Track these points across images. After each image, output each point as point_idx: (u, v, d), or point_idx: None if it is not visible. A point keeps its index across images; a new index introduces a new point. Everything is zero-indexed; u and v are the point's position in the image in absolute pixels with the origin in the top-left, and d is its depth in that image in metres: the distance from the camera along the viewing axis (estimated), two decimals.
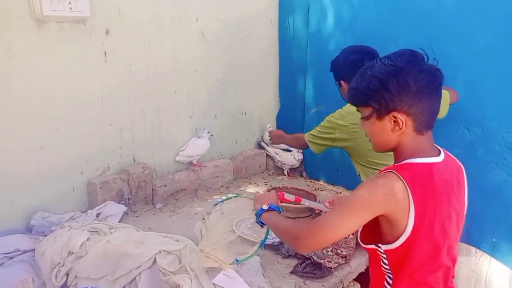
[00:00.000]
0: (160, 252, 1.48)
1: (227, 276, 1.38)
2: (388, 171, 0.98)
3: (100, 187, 1.82)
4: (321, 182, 2.71)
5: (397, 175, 0.96)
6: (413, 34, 2.14)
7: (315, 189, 2.56)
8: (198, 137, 2.24)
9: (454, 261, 1.08)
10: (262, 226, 1.35)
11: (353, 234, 1.80)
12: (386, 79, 0.97)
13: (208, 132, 2.25)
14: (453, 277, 1.10)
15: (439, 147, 1.07)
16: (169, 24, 2.11)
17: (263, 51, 2.65)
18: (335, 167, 2.65)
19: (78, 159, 1.84)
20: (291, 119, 2.82)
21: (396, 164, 1.03)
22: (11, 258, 1.53)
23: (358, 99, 1.05)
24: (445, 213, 1.01)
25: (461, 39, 1.98)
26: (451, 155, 1.10)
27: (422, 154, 1.01)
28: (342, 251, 1.73)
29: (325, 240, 1.00)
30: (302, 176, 2.82)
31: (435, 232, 0.99)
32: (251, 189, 2.46)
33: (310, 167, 2.79)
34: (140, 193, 1.99)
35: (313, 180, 2.74)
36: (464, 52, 1.99)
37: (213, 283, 1.37)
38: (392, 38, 2.22)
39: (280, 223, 1.20)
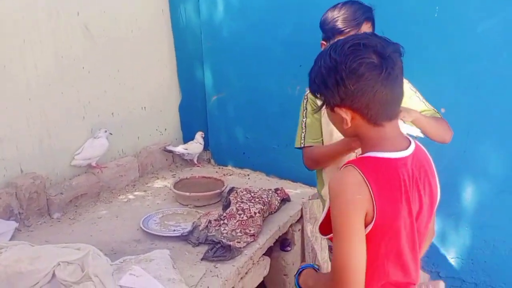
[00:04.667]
0: (59, 264, 1.39)
1: (134, 275, 1.36)
2: (348, 165, 0.93)
3: None
4: (229, 167, 2.77)
5: (355, 168, 0.90)
6: (301, 19, 2.26)
7: (224, 175, 2.61)
8: (95, 137, 2.13)
9: (416, 259, 1.01)
10: None
11: (259, 213, 1.88)
12: (326, 75, 0.91)
13: (106, 131, 2.15)
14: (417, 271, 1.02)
15: (409, 138, 1.00)
16: (46, 20, 1.95)
17: (156, 42, 2.59)
18: (241, 151, 2.72)
19: None
20: (193, 109, 2.82)
21: (358, 157, 1.00)
22: None
23: (310, 88, 0.99)
24: (412, 212, 0.94)
25: None
26: (420, 145, 1.03)
27: (385, 147, 0.93)
28: (250, 230, 1.80)
29: (354, 277, 0.88)
30: (210, 163, 2.85)
31: (400, 228, 0.92)
32: (159, 183, 2.43)
33: (217, 154, 2.83)
34: (33, 206, 1.84)
35: (221, 166, 2.79)
36: None
37: (120, 285, 1.33)
38: (282, 24, 2.32)
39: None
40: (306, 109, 1.58)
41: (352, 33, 1.36)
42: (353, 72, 0.87)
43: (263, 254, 1.86)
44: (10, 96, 1.83)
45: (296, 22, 2.28)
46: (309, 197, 2.33)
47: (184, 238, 1.75)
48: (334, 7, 1.48)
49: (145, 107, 2.55)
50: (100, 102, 2.24)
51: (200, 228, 1.78)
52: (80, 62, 2.13)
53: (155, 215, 1.96)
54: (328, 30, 1.47)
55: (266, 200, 2.00)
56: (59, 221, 1.91)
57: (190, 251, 1.68)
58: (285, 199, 2.20)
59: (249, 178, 2.59)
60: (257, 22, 2.37)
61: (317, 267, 1.15)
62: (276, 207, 2.08)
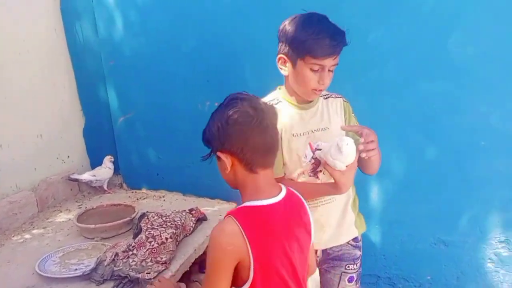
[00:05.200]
0: None
1: None
2: (228, 216, 1.05)
3: None
4: (144, 190, 2.63)
5: (233, 219, 1.03)
6: (204, 34, 2.22)
7: (137, 199, 2.47)
8: None
9: None
10: None
11: (171, 238, 1.79)
12: (211, 124, 1.12)
13: None
14: None
15: (281, 185, 1.16)
16: None
17: (50, 64, 2.39)
18: (154, 172, 2.60)
19: None
20: (100, 132, 2.64)
21: (236, 208, 1.11)
22: None
23: (202, 138, 1.18)
24: (287, 251, 1.08)
25: (245, 37, 2.15)
26: (293, 191, 1.18)
27: (260, 195, 1.08)
28: (162, 258, 1.70)
29: None
30: (122, 188, 2.69)
31: (279, 268, 1.07)
32: (62, 217, 2.21)
33: (129, 177, 2.68)
34: None
35: (134, 190, 2.64)
36: (248, 48, 2.17)
37: None
38: (185, 39, 2.27)
39: None
40: None
41: (326, 60, 1.32)
42: (230, 119, 1.06)
43: (179, 281, 1.76)
44: None
45: (200, 37, 2.25)
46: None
47: (87, 277, 1.59)
48: (310, 25, 1.31)
49: (41, 135, 2.32)
50: None
51: (105, 263, 1.64)
52: None
53: (54, 255, 1.76)
54: (301, 50, 1.32)
55: (179, 223, 1.91)
56: None
57: None
58: (201, 219, 2.12)
59: (164, 200, 2.47)
60: (159, 38, 2.30)
61: None
62: (192, 229, 2.00)
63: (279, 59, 1.42)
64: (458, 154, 2.14)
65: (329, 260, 1.59)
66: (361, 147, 1.23)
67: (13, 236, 2.00)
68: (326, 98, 1.51)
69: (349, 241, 1.59)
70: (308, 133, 1.44)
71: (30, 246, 1.89)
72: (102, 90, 2.52)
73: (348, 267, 1.58)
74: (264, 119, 1.07)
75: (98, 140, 2.65)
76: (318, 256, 1.53)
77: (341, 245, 1.56)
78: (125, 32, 2.35)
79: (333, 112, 1.50)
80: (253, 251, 1.02)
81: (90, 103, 2.59)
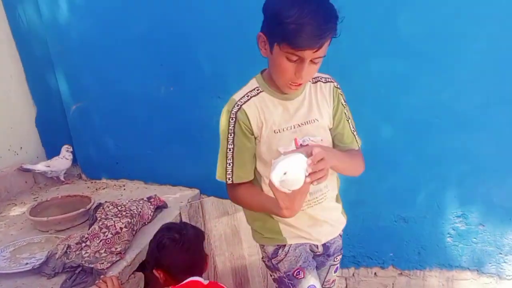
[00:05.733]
0: None
1: None
2: None
3: None
4: (103, 180, 2.57)
5: None
6: (155, 16, 2.14)
7: (96, 189, 2.41)
8: None
9: None
10: None
11: (126, 227, 1.75)
12: (149, 249, 1.51)
13: None
14: None
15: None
16: None
17: None
18: (113, 161, 2.53)
19: None
20: (53, 122, 2.54)
21: None
22: None
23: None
24: None
25: (197, 17, 2.09)
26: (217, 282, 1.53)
27: None
28: (116, 248, 1.66)
29: None
30: (81, 178, 2.61)
31: None
32: (16, 211, 2.13)
33: (88, 167, 2.60)
34: None
35: (94, 180, 2.57)
36: (201, 29, 2.10)
37: None
38: (135, 21, 2.17)
39: None
40: (233, 133, 1.21)
41: (305, 52, 1.05)
42: (161, 243, 1.42)
43: (136, 270, 1.73)
44: None
45: (151, 18, 2.16)
46: (188, 199, 2.26)
47: (37, 271, 1.54)
48: (295, 4, 1.01)
49: None
50: None
51: (57, 256, 1.59)
52: None
53: (4, 250, 1.70)
54: (277, 34, 1.06)
55: (136, 211, 1.87)
56: None
57: (44, 285, 1.48)
58: (161, 206, 2.09)
59: (124, 189, 2.42)
60: (108, 20, 2.20)
61: None
62: (150, 217, 1.97)
63: (259, 37, 1.14)
64: (412, 132, 2.17)
65: (325, 255, 1.45)
66: (308, 169, 0.99)
67: None
68: (315, 82, 1.28)
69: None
70: (293, 128, 1.23)
71: None
72: (52, 77, 2.40)
73: (336, 258, 1.48)
74: (188, 242, 1.42)
75: (53, 130, 2.55)
76: (319, 252, 1.41)
77: (335, 237, 1.43)
78: (71, 14, 2.23)
79: (322, 99, 1.27)
80: None
81: (41, 91, 2.47)
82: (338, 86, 1.32)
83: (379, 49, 1.98)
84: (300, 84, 1.15)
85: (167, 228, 1.49)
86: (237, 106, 1.21)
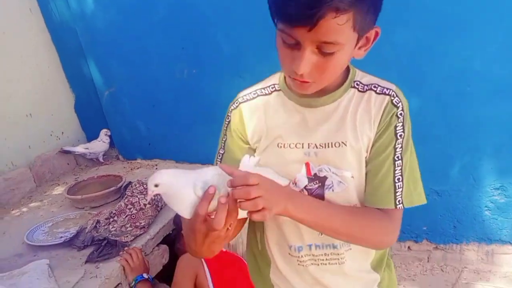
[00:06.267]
0: None
1: None
2: None
3: None
4: (138, 160, 2.71)
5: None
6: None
7: (131, 169, 2.55)
8: None
9: None
10: None
11: (150, 203, 1.85)
12: None
13: None
14: None
15: None
16: None
17: (32, 44, 2.43)
18: (146, 142, 2.66)
19: None
20: (91, 107, 2.70)
21: None
22: None
23: None
24: None
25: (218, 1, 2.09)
26: None
27: None
28: (141, 223, 1.78)
29: None
30: (119, 159, 2.78)
31: None
32: (59, 190, 2.33)
33: (124, 149, 2.75)
34: None
35: (129, 161, 2.72)
36: (222, 12, 2.11)
37: None
38: (156, 7, 2.23)
39: None
40: (225, 135, 0.96)
41: (297, 32, 0.72)
42: None
43: (161, 243, 1.84)
44: None
45: (170, 2, 2.21)
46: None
47: (69, 243, 1.69)
48: None
49: (30, 114, 2.41)
50: None
51: (87, 230, 1.73)
52: None
53: (44, 225, 1.88)
54: (271, 8, 0.77)
55: None
56: None
57: (74, 256, 1.62)
58: None
59: (156, 168, 2.54)
60: (130, 8, 2.28)
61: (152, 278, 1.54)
62: None
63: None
64: (442, 103, 2.07)
65: None
66: (222, 200, 0.70)
67: (12, 210, 2.13)
68: (364, 90, 0.87)
69: None
70: (307, 147, 0.87)
71: (25, 219, 2.02)
72: (85, 65, 2.55)
73: None
74: None
75: (91, 115, 2.72)
76: None
77: None
78: (96, 6, 2.33)
79: (364, 115, 0.86)
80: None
81: (77, 79, 2.64)
82: (399, 105, 0.84)
83: (402, 17, 1.89)
84: (306, 82, 0.78)
85: None
86: (236, 103, 0.94)
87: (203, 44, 2.24)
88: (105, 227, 1.75)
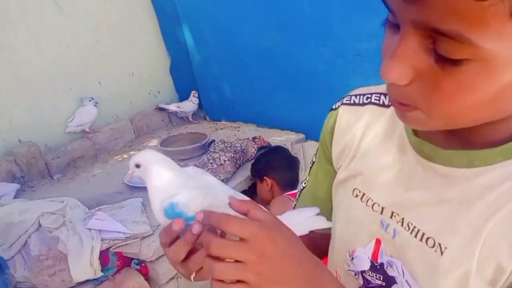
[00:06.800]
0: (43, 214, 1.64)
1: (99, 219, 1.57)
2: None
3: None
4: (223, 122, 2.90)
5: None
6: None
7: (216, 130, 2.75)
8: (83, 106, 2.34)
9: None
10: None
11: (229, 160, 2.02)
12: None
13: (91, 100, 2.34)
14: None
15: None
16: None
17: (134, 7, 2.68)
18: (230, 105, 2.83)
19: None
20: (184, 70, 2.93)
21: None
22: None
23: None
24: None
25: None
26: None
27: None
28: (220, 177, 1.95)
29: None
30: (205, 119, 3.00)
31: None
32: (154, 142, 2.62)
33: (210, 110, 2.96)
34: (33, 170, 2.11)
35: (215, 122, 2.92)
36: None
37: (88, 228, 1.55)
38: None
39: None
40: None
41: (399, 4, 0.36)
42: (275, 157, 1.93)
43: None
44: None
45: None
46: (291, 142, 2.42)
47: None
48: None
49: (133, 73, 2.71)
50: (84, 73, 2.42)
51: None
52: (56, 37, 2.27)
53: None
54: None
55: (239, 148, 2.12)
56: (58, 181, 2.18)
57: None
58: (264, 147, 2.30)
59: (238, 130, 2.70)
60: None
61: None
62: (253, 155, 2.20)
63: None
64: None
65: None
66: (194, 229, 0.49)
67: (115, 155, 2.47)
68: None
69: None
70: (391, 216, 0.52)
71: (125, 164, 2.32)
72: (180, 31, 2.75)
73: None
74: (293, 161, 2.04)
75: (183, 77, 2.96)
76: None
77: None
78: None
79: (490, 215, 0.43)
80: None
81: (173, 43, 2.87)
82: None
83: None
84: (403, 106, 0.42)
85: (278, 147, 2.07)
86: (339, 103, 0.62)
87: (289, 11, 2.27)
88: None
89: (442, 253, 0.45)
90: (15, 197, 1.94)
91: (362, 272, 0.55)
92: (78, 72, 2.39)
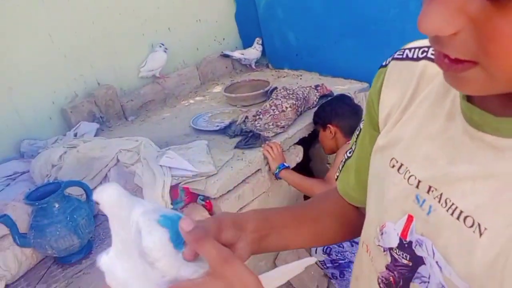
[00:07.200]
0: (121, 151, 1.81)
1: (169, 157, 1.70)
2: None
3: (71, 112, 2.15)
4: (285, 70, 2.88)
5: None
6: None
7: (278, 77, 2.75)
8: (154, 51, 2.45)
9: None
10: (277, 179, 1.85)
11: (291, 107, 2.03)
12: None
13: (161, 46, 2.44)
14: None
15: None
16: None
17: None
18: (293, 53, 2.79)
19: (46, 91, 2.14)
20: (249, 17, 2.92)
21: None
22: (13, 179, 1.94)
23: None
24: None
25: None
26: None
27: None
28: (281, 123, 1.98)
29: None
30: (268, 67, 3.00)
31: None
32: (217, 89, 2.70)
33: (273, 58, 2.94)
34: (111, 111, 2.30)
35: (277, 70, 2.92)
36: None
37: (160, 165, 1.69)
38: None
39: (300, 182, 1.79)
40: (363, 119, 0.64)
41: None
42: (339, 104, 1.90)
43: (296, 144, 2.04)
44: (76, 22, 2.18)
45: None
46: (355, 91, 2.36)
47: (223, 131, 2.02)
48: None
49: (200, 20, 2.75)
50: (155, 20, 2.51)
51: (237, 123, 2.03)
52: None
53: (205, 114, 2.26)
54: None
55: (301, 96, 2.12)
56: (132, 123, 2.36)
57: (226, 141, 1.96)
58: (327, 95, 2.27)
59: (300, 79, 2.68)
60: None
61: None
62: (315, 102, 2.19)
63: None
64: None
65: None
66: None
67: (182, 100, 2.60)
68: None
69: None
70: (427, 191, 0.46)
71: (192, 109, 2.45)
72: None
73: None
74: (357, 108, 1.94)
75: (248, 24, 2.95)
76: None
77: None
78: None
79: None
80: None
81: None
82: None
83: None
84: (453, 62, 0.34)
85: (342, 95, 2.03)
86: (390, 58, 0.56)
87: None
88: (252, 122, 2.01)
89: (481, 234, 0.39)
90: (95, 136, 2.15)
91: (390, 249, 0.51)
92: (149, 18, 2.48)
